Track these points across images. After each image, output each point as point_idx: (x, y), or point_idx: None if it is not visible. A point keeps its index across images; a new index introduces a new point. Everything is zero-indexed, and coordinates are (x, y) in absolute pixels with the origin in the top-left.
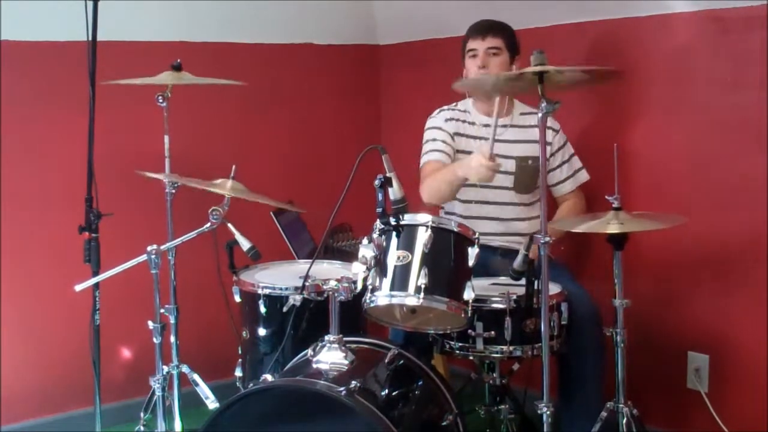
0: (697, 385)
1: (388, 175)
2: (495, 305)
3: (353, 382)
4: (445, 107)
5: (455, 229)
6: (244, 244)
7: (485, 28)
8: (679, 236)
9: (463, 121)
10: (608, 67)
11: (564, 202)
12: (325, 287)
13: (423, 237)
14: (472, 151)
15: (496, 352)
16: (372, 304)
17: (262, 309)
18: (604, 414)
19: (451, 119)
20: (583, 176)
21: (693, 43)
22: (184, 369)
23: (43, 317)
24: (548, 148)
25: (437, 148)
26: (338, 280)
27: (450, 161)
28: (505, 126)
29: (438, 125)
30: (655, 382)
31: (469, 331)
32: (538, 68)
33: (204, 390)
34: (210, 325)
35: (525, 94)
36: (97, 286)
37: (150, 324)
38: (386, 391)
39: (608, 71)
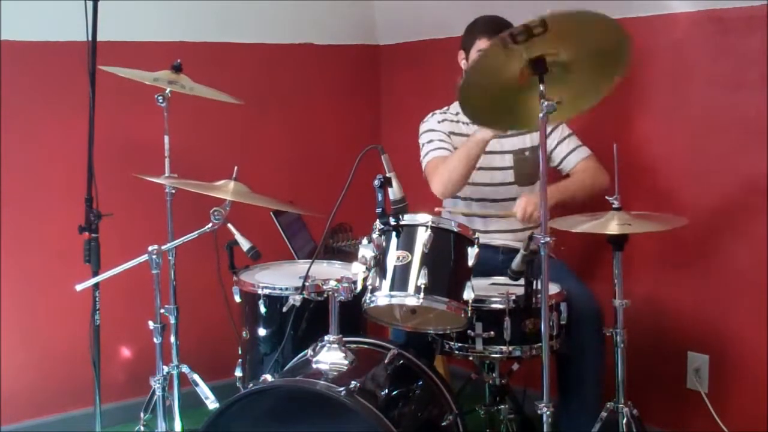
0: (697, 385)
1: (387, 175)
2: (494, 305)
3: (353, 382)
4: (437, 111)
5: (455, 229)
6: (244, 244)
7: (499, 28)
8: (679, 236)
9: (457, 122)
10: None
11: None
12: (325, 287)
13: (423, 237)
14: None
15: (496, 352)
16: (372, 304)
17: (262, 309)
18: (604, 414)
19: (444, 120)
20: (586, 151)
21: (693, 43)
22: (184, 369)
23: (43, 317)
24: None
25: (438, 146)
26: (338, 280)
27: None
28: None
29: (432, 127)
30: (655, 382)
31: (469, 331)
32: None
33: (204, 390)
34: (210, 325)
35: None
36: (97, 286)
37: (150, 324)
38: (386, 391)
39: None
